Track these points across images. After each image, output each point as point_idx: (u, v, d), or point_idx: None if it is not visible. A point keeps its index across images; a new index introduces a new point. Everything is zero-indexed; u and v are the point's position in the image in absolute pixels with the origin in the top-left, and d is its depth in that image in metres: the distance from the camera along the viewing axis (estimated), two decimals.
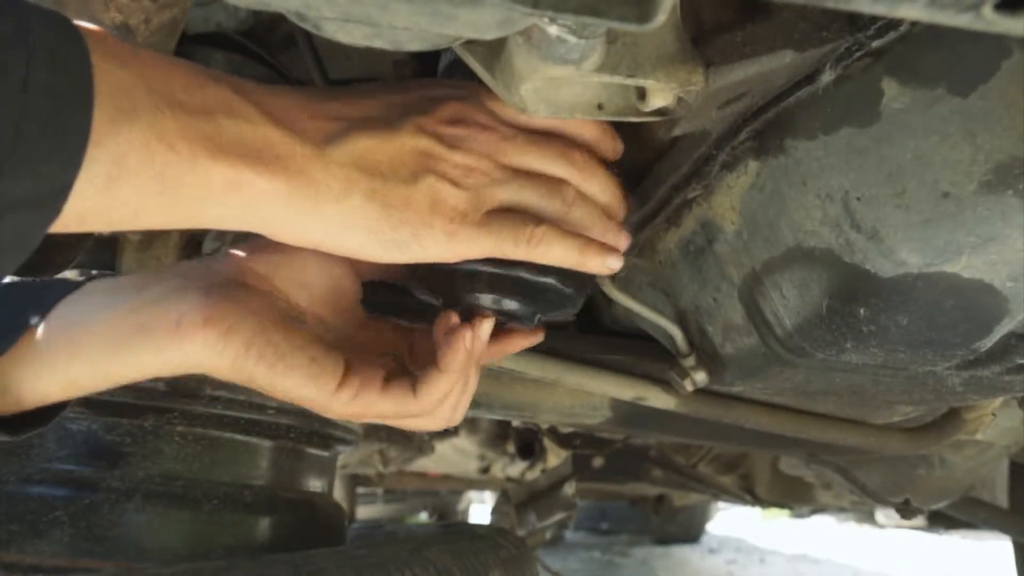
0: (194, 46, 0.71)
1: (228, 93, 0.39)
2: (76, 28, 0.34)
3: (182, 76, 0.38)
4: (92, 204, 0.35)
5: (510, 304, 0.51)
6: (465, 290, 0.51)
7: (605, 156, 0.52)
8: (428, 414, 0.51)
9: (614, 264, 0.50)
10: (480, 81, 0.52)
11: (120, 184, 0.35)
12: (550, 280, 0.50)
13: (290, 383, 0.46)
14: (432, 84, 0.50)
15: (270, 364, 0.46)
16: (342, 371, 0.48)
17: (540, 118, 0.48)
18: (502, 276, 0.50)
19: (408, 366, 0.54)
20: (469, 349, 0.49)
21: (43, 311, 0.46)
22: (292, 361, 0.46)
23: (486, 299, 0.51)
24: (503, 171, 0.47)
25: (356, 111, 0.44)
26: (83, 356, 0.45)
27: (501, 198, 0.47)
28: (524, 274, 0.50)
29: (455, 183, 0.45)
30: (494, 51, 0.44)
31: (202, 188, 0.38)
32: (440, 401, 0.50)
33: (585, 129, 0.51)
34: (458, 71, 0.55)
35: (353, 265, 0.52)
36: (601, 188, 0.51)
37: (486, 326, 0.51)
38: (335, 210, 0.41)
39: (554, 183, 0.49)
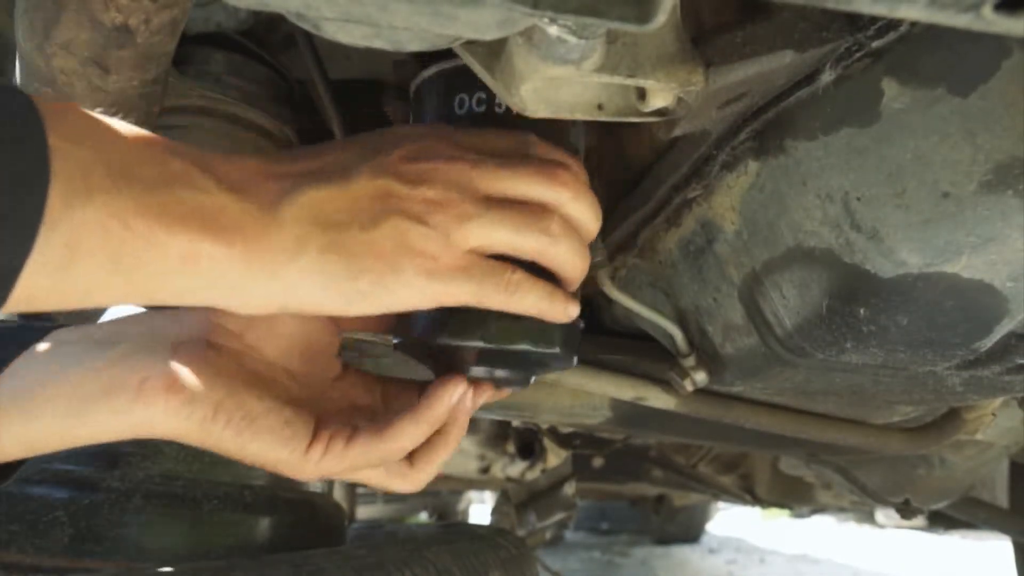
0: (194, 46, 0.71)
1: (185, 164, 0.38)
2: (34, 106, 0.33)
3: (141, 149, 0.37)
4: (43, 287, 0.34)
5: (502, 373, 0.51)
6: (455, 363, 0.50)
7: (583, 180, 0.49)
8: (395, 471, 0.50)
9: (573, 312, 0.48)
10: (441, 118, 0.51)
11: (73, 266, 0.34)
12: (525, 346, 0.48)
13: (260, 447, 0.45)
14: (392, 129, 0.47)
15: (239, 430, 0.44)
16: (312, 430, 0.46)
17: (511, 148, 0.46)
18: (488, 350, 0.48)
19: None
20: (451, 406, 0.48)
21: (5, 361, 0.44)
22: (262, 425, 0.45)
23: (478, 371, 0.50)
24: (475, 203, 0.44)
25: (310, 166, 0.42)
26: (43, 418, 0.43)
27: (474, 238, 0.43)
28: (506, 345, 0.48)
29: (422, 221, 0.42)
30: (494, 51, 0.44)
31: (159, 263, 0.37)
32: (406, 448, 0.48)
33: (559, 153, 0.48)
34: (424, 100, 0.54)
35: (331, 318, 0.50)
36: (591, 213, 0.48)
37: (480, 396, 0.50)
38: (292, 269, 0.40)
39: (535, 212, 0.45)
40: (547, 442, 1.90)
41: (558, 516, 1.87)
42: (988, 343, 0.54)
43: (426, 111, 0.53)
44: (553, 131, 0.50)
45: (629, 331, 0.80)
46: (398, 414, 0.48)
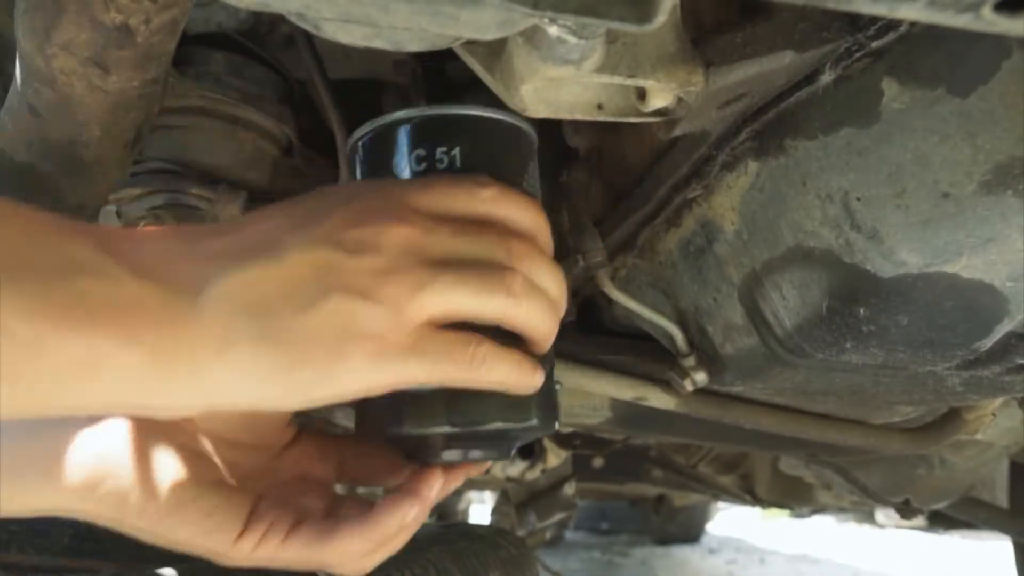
0: (194, 46, 0.71)
1: (87, 248, 0.33)
2: None
3: (34, 233, 0.33)
4: None
5: (477, 454, 0.46)
6: (423, 447, 0.45)
7: (544, 245, 0.44)
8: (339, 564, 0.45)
9: (540, 380, 0.43)
10: (389, 173, 0.46)
11: None
12: (498, 425, 0.43)
13: (181, 536, 0.41)
14: (328, 190, 0.42)
15: (154, 521, 0.40)
16: (246, 516, 0.42)
17: (464, 205, 0.42)
18: (458, 434, 0.43)
19: (337, 485, 0.48)
20: (404, 524, 0.43)
21: None
22: (182, 516, 0.40)
23: (450, 455, 0.45)
24: (428, 268, 0.38)
25: (236, 241, 0.37)
26: None
27: (431, 307, 0.38)
28: (476, 427, 0.43)
29: (368, 296, 0.37)
30: (494, 51, 0.45)
31: (50, 370, 0.31)
32: (349, 558, 0.43)
33: (522, 216, 0.43)
34: (367, 152, 0.48)
35: None
36: (550, 280, 0.43)
37: (453, 480, 0.45)
38: (218, 366, 0.34)
39: (495, 270, 0.40)
40: (547, 442, 1.90)
41: (558, 516, 1.87)
42: (988, 343, 0.54)
43: (364, 173, 0.48)
44: (504, 178, 0.45)
45: (629, 331, 0.80)
46: (346, 520, 0.43)
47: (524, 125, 0.47)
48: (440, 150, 0.45)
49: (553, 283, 0.43)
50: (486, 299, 0.39)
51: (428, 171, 0.45)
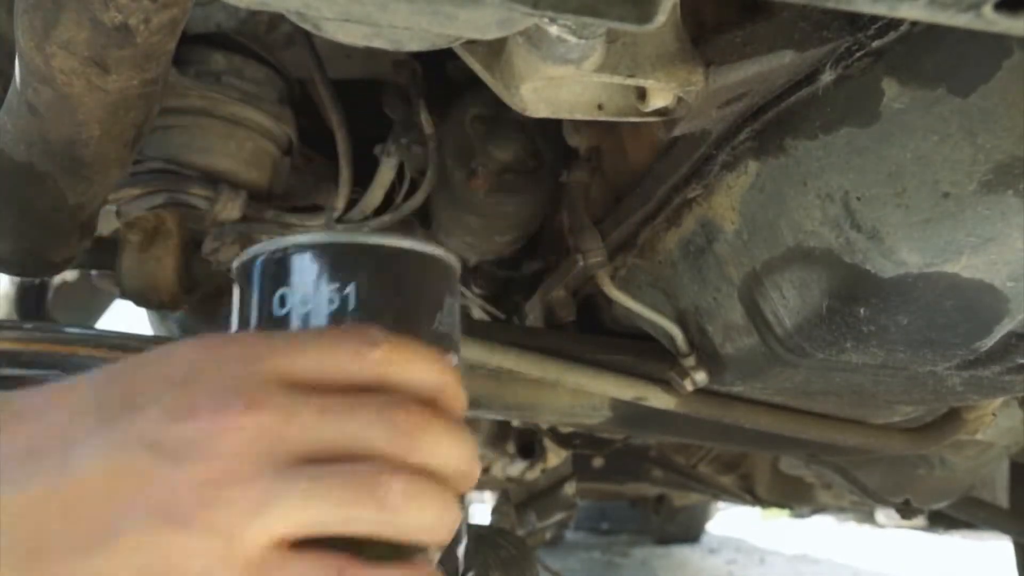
0: (194, 46, 0.71)
1: None
2: None
3: None
4: None
5: None
6: None
7: (448, 408, 0.33)
8: None
9: None
10: (260, 318, 0.37)
11: None
12: None
13: None
14: (157, 356, 0.31)
15: None
16: None
17: (347, 370, 0.31)
18: None
19: None
20: None
21: None
22: None
23: None
24: (278, 473, 0.28)
25: (16, 443, 0.28)
26: None
27: (278, 528, 0.28)
28: None
29: (188, 523, 0.27)
30: (494, 51, 0.45)
31: None
32: None
33: (421, 376, 0.32)
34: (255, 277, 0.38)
35: None
36: (451, 454, 0.32)
37: None
38: None
39: (369, 472, 0.29)
40: (547, 442, 1.90)
41: (558, 516, 1.87)
42: (988, 343, 0.54)
43: (242, 308, 0.38)
44: (409, 322, 0.36)
45: (629, 331, 0.80)
46: None
47: (440, 253, 0.39)
48: (331, 288, 0.36)
49: (456, 457, 0.32)
50: (355, 513, 0.29)
51: (314, 311, 0.36)
